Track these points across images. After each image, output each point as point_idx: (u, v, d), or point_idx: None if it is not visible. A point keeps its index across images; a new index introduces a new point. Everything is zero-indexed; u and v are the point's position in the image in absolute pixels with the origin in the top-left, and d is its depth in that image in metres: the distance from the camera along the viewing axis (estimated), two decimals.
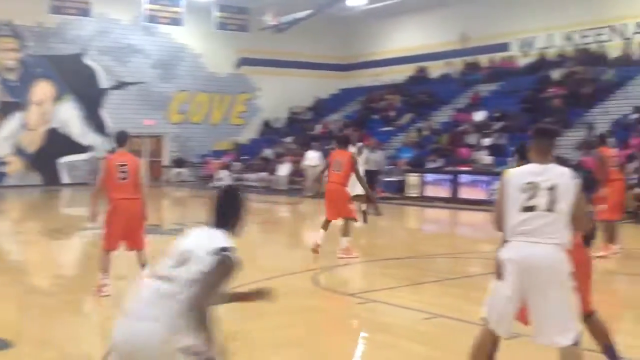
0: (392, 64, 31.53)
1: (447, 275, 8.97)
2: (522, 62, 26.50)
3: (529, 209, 4.20)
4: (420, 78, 30.04)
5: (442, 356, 5.74)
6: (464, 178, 19.49)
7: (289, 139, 29.08)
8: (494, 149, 21.21)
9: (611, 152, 10.58)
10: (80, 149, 28.13)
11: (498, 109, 23.36)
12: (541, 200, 4.19)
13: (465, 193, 19.18)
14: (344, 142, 10.51)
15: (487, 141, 21.77)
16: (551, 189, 4.18)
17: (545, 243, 4.18)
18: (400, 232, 14.35)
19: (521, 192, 4.23)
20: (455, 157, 21.56)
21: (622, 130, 19.13)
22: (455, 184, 19.57)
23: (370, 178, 16.24)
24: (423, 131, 24.56)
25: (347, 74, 34.48)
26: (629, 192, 13.88)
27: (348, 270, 9.32)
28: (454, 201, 19.13)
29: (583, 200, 4.26)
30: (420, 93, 27.94)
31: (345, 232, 9.83)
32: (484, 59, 27.89)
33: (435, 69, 29.76)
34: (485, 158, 20.75)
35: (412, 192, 20.33)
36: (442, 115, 26.13)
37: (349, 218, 9.92)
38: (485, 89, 26.14)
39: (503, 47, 27.61)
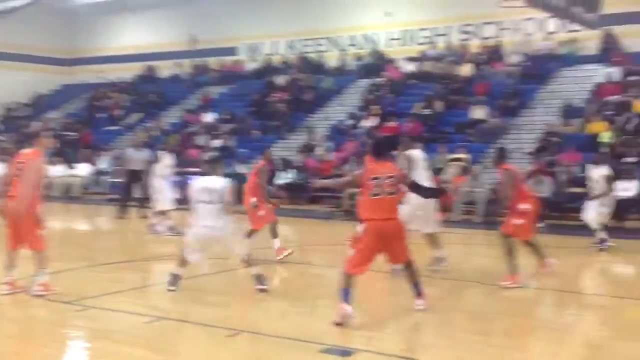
0: (119, 61, 30.57)
1: None
2: (250, 66, 27.41)
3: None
4: (148, 77, 29.53)
5: (163, 359, 5.66)
6: (194, 179, 19.50)
7: (3, 138, 26.54)
8: (223, 151, 21.58)
9: None
10: None
11: (227, 111, 23.84)
12: None
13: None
14: None
15: (216, 143, 22.09)
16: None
17: None
18: (126, 235, 13.89)
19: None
20: (185, 158, 21.53)
21: (338, 134, 20.73)
22: (185, 185, 19.52)
23: (134, 177, 15.58)
24: (152, 131, 24.12)
25: (70, 69, 32.63)
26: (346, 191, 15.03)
27: (64, 276, 8.76)
28: (184, 202, 19.08)
29: None
30: (149, 92, 27.46)
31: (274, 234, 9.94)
32: (213, 62, 28.30)
33: (164, 69, 29.50)
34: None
35: (139, 194, 19.84)
36: (172, 116, 25.97)
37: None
38: (215, 91, 26.54)
39: (231, 51, 28.31)
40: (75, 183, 21.25)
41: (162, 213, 12.52)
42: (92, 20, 31.07)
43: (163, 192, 12.61)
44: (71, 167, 21.73)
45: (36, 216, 7.34)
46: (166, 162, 12.84)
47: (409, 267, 6.76)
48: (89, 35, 31.81)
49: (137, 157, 15.53)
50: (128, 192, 15.93)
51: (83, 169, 21.71)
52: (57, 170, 21.46)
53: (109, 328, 6.39)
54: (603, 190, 11.34)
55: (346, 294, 6.33)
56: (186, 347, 5.90)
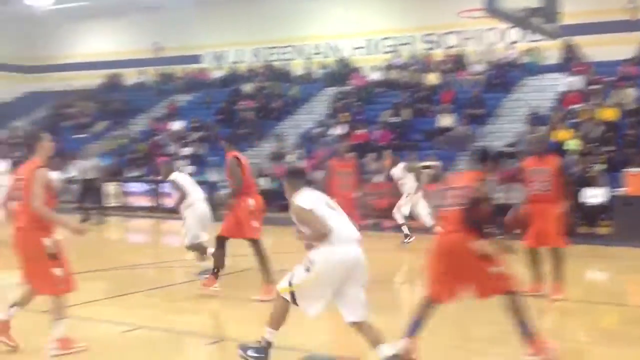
0: (83, 68, 30.24)
1: (150, 286, 8.81)
2: (215, 74, 27.34)
3: None
4: (114, 85, 29.23)
5: None
6: (165, 187, 19.43)
7: None
8: (193, 159, 21.48)
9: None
10: None
11: (195, 119, 23.73)
12: None
13: (167, 202, 19.16)
14: None
15: (186, 151, 21.97)
16: None
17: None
18: (101, 242, 13.73)
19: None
20: (154, 166, 21.37)
21: (308, 142, 20.79)
22: (156, 193, 19.43)
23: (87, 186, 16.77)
24: (120, 139, 23.93)
25: (33, 77, 32.08)
26: None
27: None
28: (156, 210, 18.99)
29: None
30: (115, 100, 27.17)
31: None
32: (178, 70, 28.16)
33: (130, 77, 29.24)
34: (186, 168, 20.92)
35: (112, 202, 19.70)
36: (139, 124, 25.74)
37: None
38: (181, 99, 26.40)
39: (196, 59, 28.22)
40: None
41: None
42: (56, 27, 30.61)
43: None
44: None
45: (40, 250, 5.64)
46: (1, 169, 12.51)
47: None
48: (53, 43, 31.35)
49: (86, 166, 16.80)
50: (82, 201, 17.05)
51: (53, 177, 21.36)
52: None
53: (86, 338, 6.31)
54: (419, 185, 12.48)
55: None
56: (164, 357, 5.86)
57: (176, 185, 9.48)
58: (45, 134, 6.03)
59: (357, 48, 25.47)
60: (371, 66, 24.03)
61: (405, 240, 12.51)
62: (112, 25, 29.93)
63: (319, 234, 4.91)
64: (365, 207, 15.61)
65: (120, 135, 24.40)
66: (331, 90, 23.57)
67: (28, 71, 32.11)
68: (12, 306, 5.87)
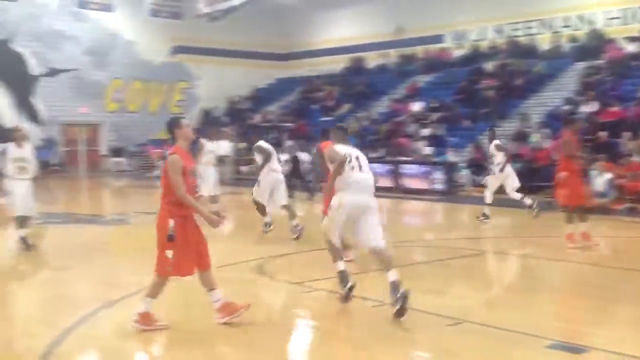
0: (329, 54, 31.69)
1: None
2: (456, 53, 26.99)
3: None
4: (357, 68, 30.25)
5: (381, 342, 5.77)
6: (405, 168, 19.75)
7: (228, 129, 28.80)
8: (432, 139, 21.52)
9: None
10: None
11: (435, 99, 23.71)
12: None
13: (406, 182, 19.44)
14: None
15: (425, 131, 22.08)
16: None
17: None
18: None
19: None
20: (395, 147, 21.79)
21: (554, 120, 19.72)
22: (396, 174, 19.81)
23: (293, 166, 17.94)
24: (362, 121, 24.74)
25: (284, 64, 34.44)
26: None
27: (294, 259, 9.31)
28: (396, 191, 19.39)
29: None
30: (358, 83, 28.12)
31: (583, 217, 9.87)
32: (419, 50, 28.27)
33: (372, 60, 30.03)
34: (425, 148, 21.02)
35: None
36: (381, 106, 26.39)
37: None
38: (421, 79, 26.50)
39: (437, 39, 28.11)
40: None
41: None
42: (303, 16, 32.51)
43: (206, 179, 12.80)
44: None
45: (164, 230, 5.73)
46: (208, 149, 13.22)
47: None
48: (300, 31, 33.35)
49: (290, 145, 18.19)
50: (289, 179, 18.03)
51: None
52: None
53: (334, 310, 6.66)
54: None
55: None
56: (408, 333, 5.96)
57: (260, 150, 10.75)
58: (184, 120, 6.03)
59: (611, 18, 23.53)
60: (627, 37, 22.04)
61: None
62: (355, 12, 30.97)
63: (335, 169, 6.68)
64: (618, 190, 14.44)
65: (363, 117, 25.22)
66: (581, 65, 22.07)
67: (280, 59, 34.54)
68: (211, 290, 6.03)
